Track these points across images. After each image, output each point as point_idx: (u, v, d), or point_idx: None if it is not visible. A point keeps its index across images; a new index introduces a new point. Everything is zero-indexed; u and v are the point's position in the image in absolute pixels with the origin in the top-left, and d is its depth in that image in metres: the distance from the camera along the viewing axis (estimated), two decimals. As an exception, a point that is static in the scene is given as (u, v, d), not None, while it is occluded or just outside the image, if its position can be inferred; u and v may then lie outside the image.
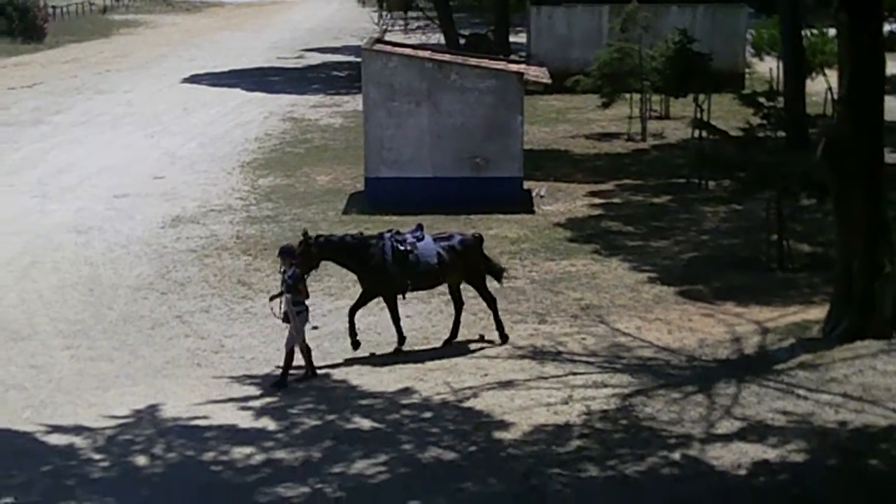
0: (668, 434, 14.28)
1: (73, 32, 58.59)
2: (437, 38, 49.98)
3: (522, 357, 16.94)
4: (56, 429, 14.74)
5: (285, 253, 16.56)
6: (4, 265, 21.37)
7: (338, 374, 16.48)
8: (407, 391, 15.79)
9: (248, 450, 14.11)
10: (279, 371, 16.25)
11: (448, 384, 15.95)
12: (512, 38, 48.23)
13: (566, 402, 15.28)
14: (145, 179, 27.85)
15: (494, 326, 17.58)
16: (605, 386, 15.80)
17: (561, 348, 17.27)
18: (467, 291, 17.73)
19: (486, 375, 16.21)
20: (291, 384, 15.98)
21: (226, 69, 45.39)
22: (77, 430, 14.65)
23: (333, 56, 51.37)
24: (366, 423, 14.88)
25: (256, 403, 15.51)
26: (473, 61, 26.19)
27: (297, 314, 16.21)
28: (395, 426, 14.77)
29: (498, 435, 14.47)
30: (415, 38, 52.20)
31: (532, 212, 24.78)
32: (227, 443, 14.29)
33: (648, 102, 33.19)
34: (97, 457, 14.00)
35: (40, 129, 33.98)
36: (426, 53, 26.77)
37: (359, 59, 27.13)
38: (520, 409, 15.10)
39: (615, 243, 22.51)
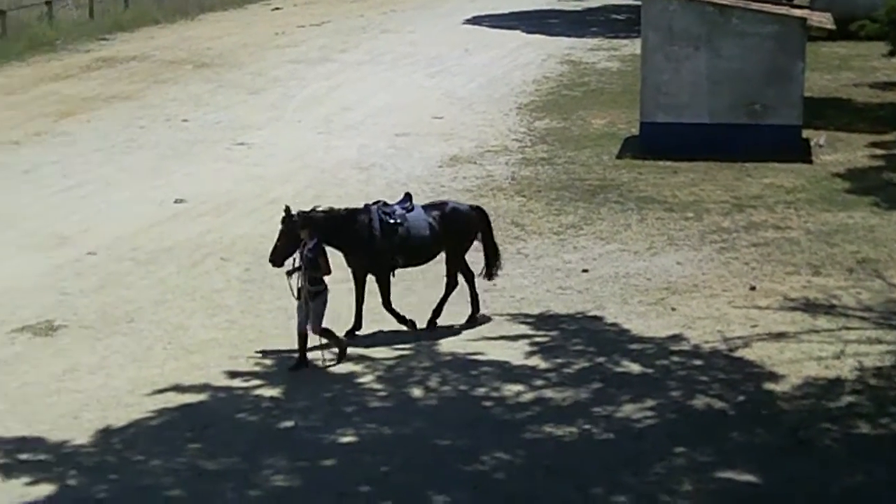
0: (945, 394, 14.01)
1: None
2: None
3: (794, 309, 16.77)
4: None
5: (308, 223, 15.02)
6: (290, 198, 22.01)
7: (608, 317, 16.66)
8: (677, 338, 15.85)
9: (518, 387, 14.48)
10: (547, 313, 16.57)
11: (719, 333, 15.95)
12: (796, -18, 47.04)
13: (838, 357, 15.11)
14: (425, 119, 28.45)
15: (435, 306, 16.30)
16: (880, 342, 15.53)
17: (834, 302, 17.01)
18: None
19: (755, 326, 16.13)
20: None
21: (507, 11, 45.71)
22: (357, 359, 15.28)
23: (613, -1, 51.10)
24: (635, 368, 15.05)
25: (527, 342, 15.85)
26: (755, 5, 25.72)
27: (315, 294, 14.88)
28: (663, 372, 14.89)
29: (767, 386, 14.45)
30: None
31: (810, 161, 24.31)
32: (499, 379, 14.69)
33: (939, 50, 31.92)
34: (376, 386, 14.60)
35: (327, 67, 35.00)
36: (707, -3, 26.45)
37: (638, 3, 27.01)
38: (790, 362, 15.02)
39: (896, 196, 21.94)
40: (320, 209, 15.58)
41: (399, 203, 16.13)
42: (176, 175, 23.88)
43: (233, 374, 14.90)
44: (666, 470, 12.60)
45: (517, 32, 40.96)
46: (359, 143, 26.28)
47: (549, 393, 14.36)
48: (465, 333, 16.12)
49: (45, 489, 12.22)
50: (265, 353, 15.44)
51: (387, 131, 27.22)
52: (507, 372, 14.91)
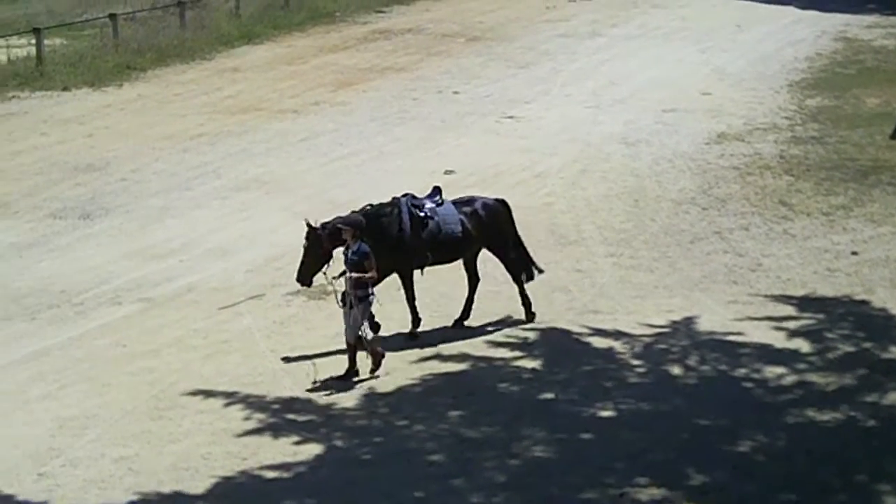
0: None
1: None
2: None
3: None
4: (598, 332, 15.54)
5: (353, 225, 14.19)
6: (557, 172, 22.43)
7: (877, 301, 16.29)
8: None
9: (780, 370, 14.35)
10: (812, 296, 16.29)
11: None
12: None
13: None
14: (693, 95, 28.19)
15: (520, 301, 15.72)
16: None
17: None
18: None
19: None
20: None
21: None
22: (617, 334, 15.40)
23: (894, -28, 49.40)
24: (902, 355, 14.73)
25: (791, 324, 15.65)
26: None
27: (360, 300, 13.98)
28: (934, 361, 14.52)
29: None
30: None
31: None
32: (760, 361, 14.58)
33: None
34: (635, 362, 14.68)
35: (596, 42, 35.00)
36: None
37: (921, -21, 26.21)
38: None
39: None
40: (341, 217, 14.65)
41: (428, 196, 15.39)
42: (446, 146, 24.35)
43: (496, 345, 15.18)
44: (933, 461, 12.34)
45: (790, 8, 40.06)
46: (626, 118, 26.25)
47: (812, 377, 14.17)
48: (727, 313, 16.01)
49: (314, 449, 12.73)
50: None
51: (654, 107, 27.09)
52: (768, 354, 14.77)
